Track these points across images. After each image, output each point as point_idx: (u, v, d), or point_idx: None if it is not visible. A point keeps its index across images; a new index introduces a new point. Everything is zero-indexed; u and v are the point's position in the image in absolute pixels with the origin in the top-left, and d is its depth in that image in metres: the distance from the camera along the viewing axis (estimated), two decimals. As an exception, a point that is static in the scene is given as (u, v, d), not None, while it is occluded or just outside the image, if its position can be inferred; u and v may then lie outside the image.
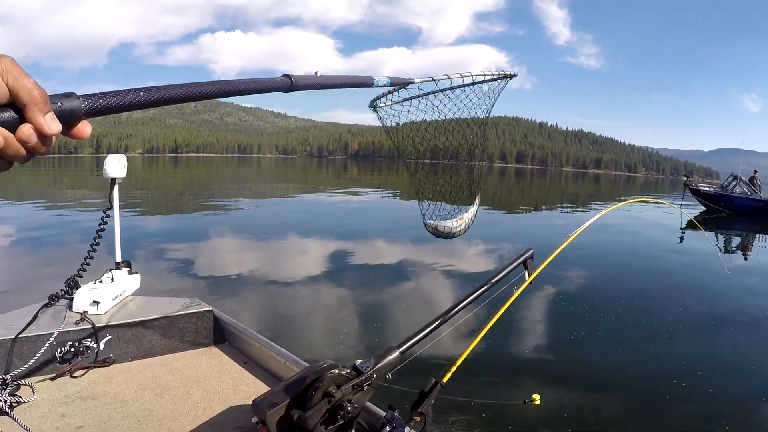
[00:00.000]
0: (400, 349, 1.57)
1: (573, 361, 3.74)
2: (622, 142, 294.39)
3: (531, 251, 2.02)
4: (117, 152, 2.57)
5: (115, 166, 2.44)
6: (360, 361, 1.49)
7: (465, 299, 1.77)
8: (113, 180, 2.45)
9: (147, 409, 1.83)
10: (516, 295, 1.95)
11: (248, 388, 2.03)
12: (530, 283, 2.01)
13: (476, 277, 6.02)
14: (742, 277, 6.57)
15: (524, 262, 2.00)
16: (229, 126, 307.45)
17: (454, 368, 1.71)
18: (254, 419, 1.50)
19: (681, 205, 19.04)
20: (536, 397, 1.87)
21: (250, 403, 1.51)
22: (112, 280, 2.46)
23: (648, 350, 3.95)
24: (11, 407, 1.72)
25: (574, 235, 2.31)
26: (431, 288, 5.63)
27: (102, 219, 2.37)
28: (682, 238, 10.57)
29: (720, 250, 8.56)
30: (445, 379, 1.65)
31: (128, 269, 2.60)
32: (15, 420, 1.60)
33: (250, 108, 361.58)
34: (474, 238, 9.30)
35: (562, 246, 2.21)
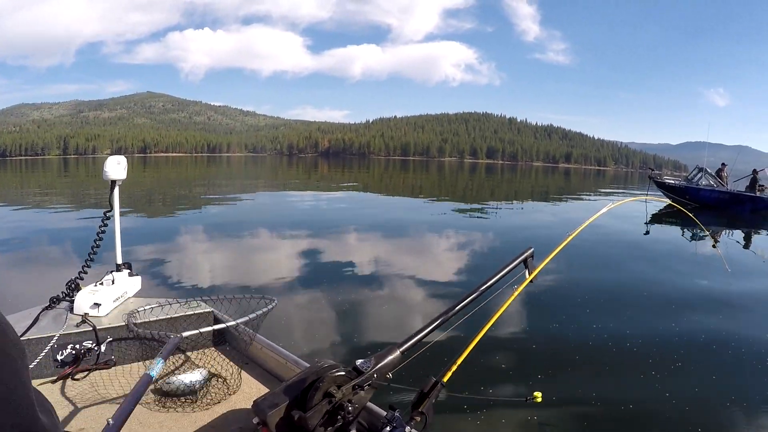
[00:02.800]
0: (401, 349, 1.56)
1: (575, 358, 3.73)
2: (591, 136, 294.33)
3: (531, 250, 2.02)
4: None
5: (115, 167, 2.43)
6: (360, 360, 1.49)
7: (466, 298, 1.77)
8: (113, 182, 2.45)
9: (148, 411, 1.83)
10: (516, 293, 1.95)
11: (249, 389, 2.03)
12: (531, 281, 2.01)
13: (476, 276, 6.01)
14: (744, 274, 6.55)
15: (524, 261, 2.00)
16: (198, 125, 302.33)
17: (454, 367, 1.71)
18: (255, 420, 1.50)
19: (646, 199, 19.05)
20: (538, 394, 1.87)
21: (251, 404, 1.51)
22: (113, 282, 2.46)
23: (651, 347, 3.95)
24: None
25: (574, 234, 2.31)
26: (431, 287, 5.62)
27: (102, 221, 2.36)
28: (686, 237, 10.57)
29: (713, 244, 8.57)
30: (445, 378, 1.65)
31: (129, 271, 2.59)
32: None
33: (219, 106, 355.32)
34: (473, 235, 9.30)
35: (562, 245, 2.21)
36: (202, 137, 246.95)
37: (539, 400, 1.86)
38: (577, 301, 5.13)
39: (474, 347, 1.79)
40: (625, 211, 12.05)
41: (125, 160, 2.52)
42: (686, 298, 5.42)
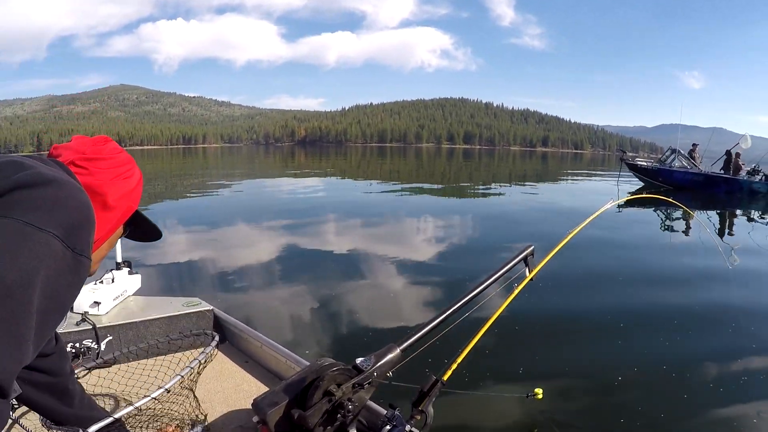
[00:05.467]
0: (401, 347, 1.56)
1: (576, 355, 3.73)
2: (567, 120, 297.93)
3: (532, 247, 2.01)
4: None
5: None
6: (361, 359, 1.49)
7: (466, 296, 1.77)
8: None
9: (148, 410, 1.83)
10: (517, 291, 1.95)
11: (249, 388, 2.03)
12: (531, 279, 2.01)
13: (477, 274, 6.00)
14: (745, 271, 6.55)
15: (525, 259, 1.99)
16: (173, 117, 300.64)
17: (454, 366, 1.70)
18: (255, 419, 1.50)
19: (618, 180, 18.90)
20: (539, 391, 1.87)
21: (251, 402, 1.50)
22: (113, 281, 2.45)
23: (651, 344, 3.94)
24: (13, 410, 1.72)
25: (575, 232, 2.30)
26: (432, 285, 5.62)
27: None
28: (684, 231, 10.55)
29: (719, 242, 8.56)
30: (445, 377, 1.65)
31: (129, 269, 2.59)
32: (17, 422, 1.60)
33: (194, 97, 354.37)
34: (471, 233, 9.30)
35: (563, 242, 2.20)
36: (177, 129, 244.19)
37: (540, 396, 1.86)
38: (579, 297, 5.12)
39: (474, 345, 1.79)
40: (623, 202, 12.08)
41: None
42: (690, 294, 5.41)
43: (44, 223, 0.67)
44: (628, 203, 12.77)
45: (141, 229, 1.05)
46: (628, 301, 5.08)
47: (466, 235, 9.15)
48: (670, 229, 10.98)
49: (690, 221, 11.08)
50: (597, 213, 2.59)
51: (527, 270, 1.99)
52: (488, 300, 1.86)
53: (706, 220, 11.94)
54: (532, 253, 2.00)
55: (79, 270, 0.72)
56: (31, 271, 0.65)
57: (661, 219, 12.10)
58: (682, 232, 10.57)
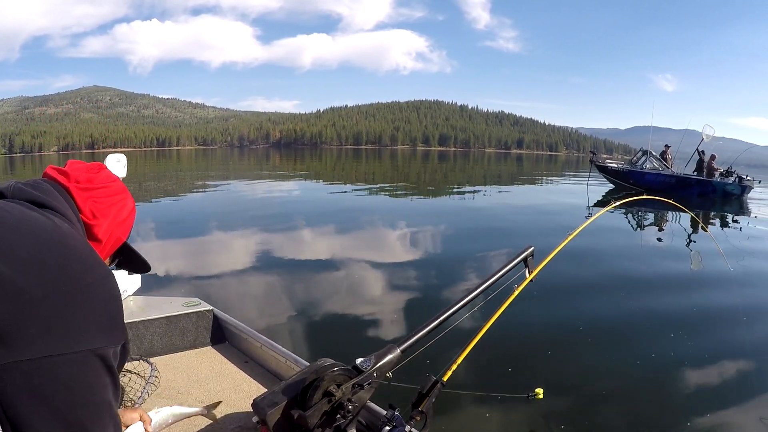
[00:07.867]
0: (401, 348, 1.56)
1: (576, 356, 3.73)
2: (542, 122, 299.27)
3: (531, 249, 2.02)
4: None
5: (115, 166, 2.42)
6: (360, 359, 1.49)
7: (466, 297, 1.77)
8: None
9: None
10: (517, 293, 1.95)
11: (249, 388, 2.02)
12: (531, 280, 2.01)
13: (476, 274, 5.99)
14: (746, 273, 6.55)
15: (525, 260, 2.00)
16: (147, 119, 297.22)
17: (454, 366, 1.70)
18: (255, 419, 1.50)
19: (588, 182, 18.65)
20: (539, 391, 1.87)
21: (251, 402, 1.50)
22: (112, 280, 2.45)
23: (652, 345, 3.94)
24: None
25: (574, 233, 2.31)
26: (433, 285, 5.62)
27: None
28: (688, 238, 10.56)
29: (718, 247, 8.54)
30: (445, 378, 1.65)
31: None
32: None
33: (168, 99, 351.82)
34: (470, 233, 9.30)
35: (563, 244, 2.21)
36: (150, 131, 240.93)
37: (541, 396, 1.86)
38: (579, 298, 5.13)
39: (474, 346, 1.79)
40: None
41: (125, 158, 2.50)
42: (690, 294, 5.41)
43: (94, 339, 0.66)
44: (627, 204, 12.74)
45: (129, 261, 1.01)
46: (629, 303, 5.08)
47: (463, 238, 9.17)
48: (672, 232, 10.98)
49: (687, 224, 11.08)
50: (596, 215, 2.60)
51: (527, 271, 2.00)
52: (488, 301, 1.86)
53: (690, 220, 11.93)
54: (532, 255, 2.01)
55: (122, 356, 0.73)
56: (104, 403, 0.67)
57: (660, 221, 12.13)
58: (681, 234, 10.57)
